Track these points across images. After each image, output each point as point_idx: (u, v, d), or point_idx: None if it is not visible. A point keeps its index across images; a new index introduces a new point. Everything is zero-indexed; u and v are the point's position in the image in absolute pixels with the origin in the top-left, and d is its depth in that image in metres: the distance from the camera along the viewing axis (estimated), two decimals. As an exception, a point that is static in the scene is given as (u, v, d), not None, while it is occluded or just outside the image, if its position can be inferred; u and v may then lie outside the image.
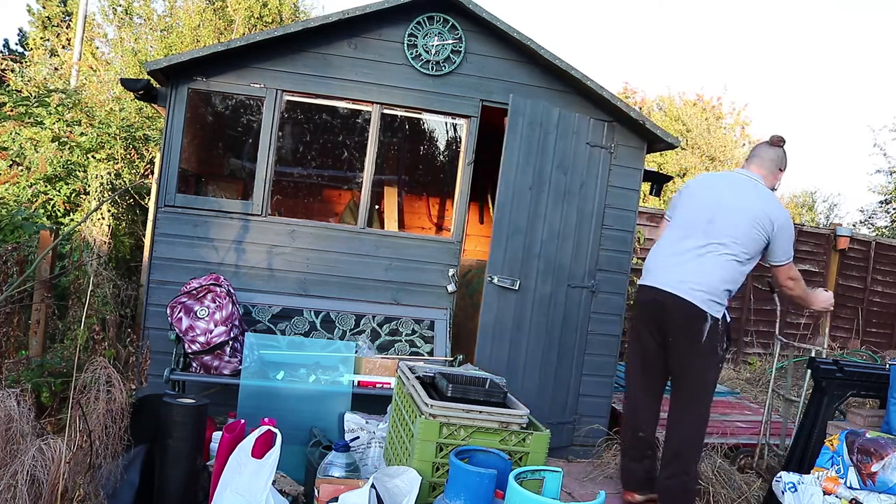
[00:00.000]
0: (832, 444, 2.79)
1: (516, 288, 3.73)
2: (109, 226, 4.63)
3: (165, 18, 10.58)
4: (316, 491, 2.19)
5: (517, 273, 3.74)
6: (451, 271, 3.91)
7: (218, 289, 3.25)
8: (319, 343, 3.53)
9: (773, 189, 3.11)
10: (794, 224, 8.29)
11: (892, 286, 8.58)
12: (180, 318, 3.15)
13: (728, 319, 2.98)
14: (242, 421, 2.56)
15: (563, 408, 4.00)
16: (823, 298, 3.27)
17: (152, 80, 3.75)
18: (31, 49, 10.48)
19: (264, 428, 2.30)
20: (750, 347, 7.76)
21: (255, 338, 3.36)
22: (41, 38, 10.99)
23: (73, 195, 4.89)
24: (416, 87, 3.85)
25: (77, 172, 4.99)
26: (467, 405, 2.22)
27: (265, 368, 3.30)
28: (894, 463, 2.51)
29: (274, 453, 2.14)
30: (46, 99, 4.90)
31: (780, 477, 2.82)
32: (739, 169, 3.15)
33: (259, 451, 2.27)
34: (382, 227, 5.18)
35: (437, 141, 6.62)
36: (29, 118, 4.81)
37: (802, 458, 3.12)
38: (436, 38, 3.82)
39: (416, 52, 3.81)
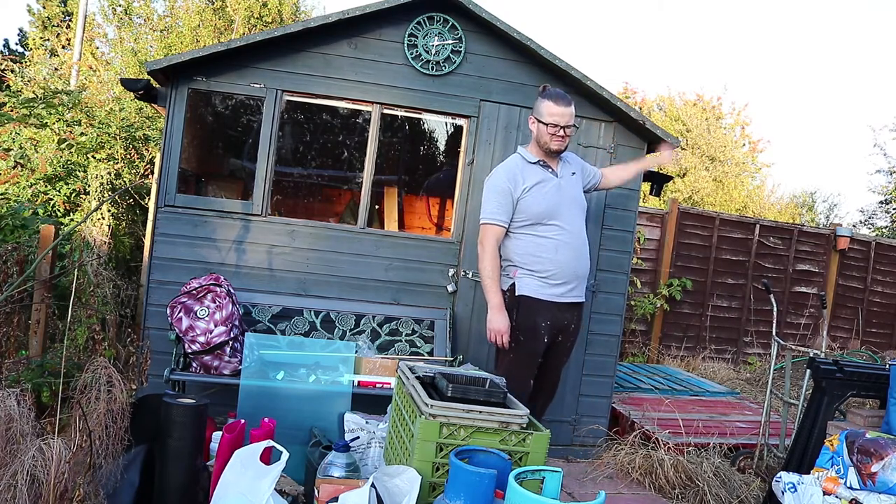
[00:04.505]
0: (832, 445, 2.79)
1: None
2: (109, 226, 4.63)
3: (165, 18, 10.57)
4: (316, 491, 2.18)
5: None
6: (451, 271, 3.91)
7: (218, 289, 3.25)
8: (319, 343, 3.53)
9: (536, 141, 3.15)
10: (795, 224, 8.30)
11: (892, 286, 8.58)
12: (180, 318, 3.15)
13: (517, 293, 3.08)
14: (242, 421, 2.56)
15: (563, 408, 4.01)
16: (494, 319, 3.04)
17: (152, 80, 3.75)
18: (31, 49, 10.47)
19: (269, 442, 2.29)
20: (750, 347, 7.76)
21: (255, 338, 3.36)
22: (41, 38, 10.97)
23: (73, 195, 4.89)
24: (416, 87, 3.85)
25: (77, 172, 4.99)
26: (467, 405, 2.21)
27: (265, 368, 3.30)
28: (894, 463, 2.51)
29: (280, 464, 2.13)
30: (51, 100, 4.89)
31: (780, 477, 2.82)
32: None
33: (264, 458, 2.27)
34: (382, 227, 5.18)
35: (437, 141, 6.62)
36: (33, 119, 4.81)
37: (802, 459, 3.12)
38: (436, 38, 3.82)
39: (417, 52, 3.81)
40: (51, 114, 5.03)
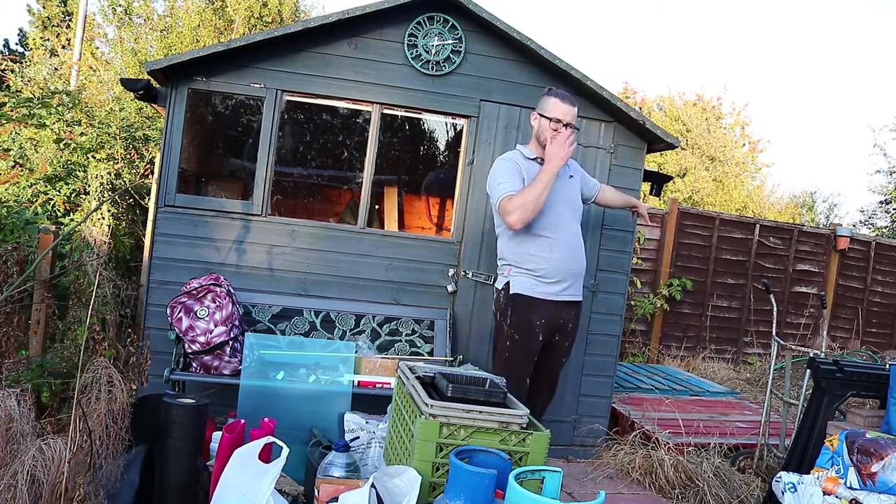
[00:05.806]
0: (832, 445, 2.79)
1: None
2: (109, 226, 4.62)
3: (165, 18, 10.58)
4: (316, 491, 2.18)
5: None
6: (451, 271, 3.91)
7: (218, 289, 3.25)
8: (319, 343, 3.53)
9: (537, 137, 3.18)
10: (795, 224, 8.30)
11: (892, 286, 8.57)
12: (180, 318, 3.15)
13: (511, 291, 3.10)
14: (242, 421, 2.56)
15: (563, 408, 4.01)
16: (553, 151, 3.01)
17: (152, 80, 3.75)
18: (31, 49, 10.47)
19: (269, 438, 2.29)
20: (750, 347, 7.76)
21: (255, 338, 3.36)
22: (41, 38, 10.97)
23: (73, 195, 4.89)
24: (417, 87, 3.85)
25: (77, 172, 4.99)
26: (467, 405, 2.21)
27: (265, 368, 3.30)
28: (894, 463, 2.51)
29: (280, 461, 2.13)
30: (49, 100, 4.88)
31: (780, 477, 2.82)
32: None
33: (263, 456, 2.27)
34: (382, 227, 5.18)
35: (437, 141, 6.62)
36: (32, 119, 4.81)
37: (802, 459, 3.13)
38: (436, 38, 3.82)
39: (417, 52, 3.81)
40: (50, 114, 5.02)
